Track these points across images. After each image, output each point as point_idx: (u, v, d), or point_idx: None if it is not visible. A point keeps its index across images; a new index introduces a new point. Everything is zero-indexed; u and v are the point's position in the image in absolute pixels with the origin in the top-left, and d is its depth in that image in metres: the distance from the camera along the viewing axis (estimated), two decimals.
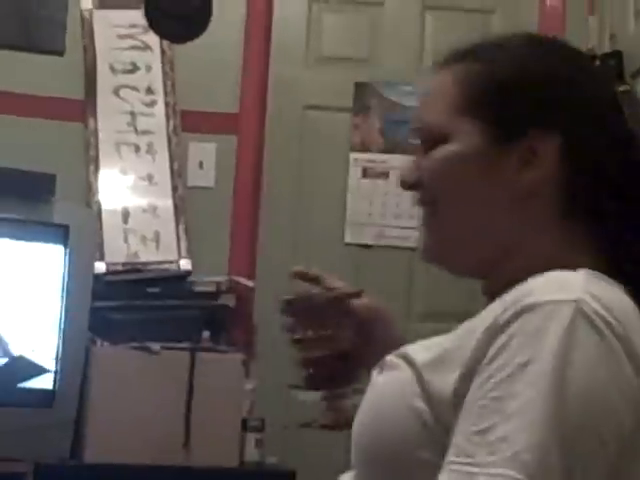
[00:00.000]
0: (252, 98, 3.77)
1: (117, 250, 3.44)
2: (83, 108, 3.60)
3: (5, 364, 2.90)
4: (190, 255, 3.48)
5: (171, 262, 3.46)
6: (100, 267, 3.33)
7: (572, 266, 1.08)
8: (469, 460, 0.97)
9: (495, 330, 1.02)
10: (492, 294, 1.15)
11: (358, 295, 1.42)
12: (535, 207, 1.16)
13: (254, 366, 3.34)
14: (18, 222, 2.98)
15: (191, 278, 3.42)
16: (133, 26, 3.67)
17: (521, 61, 1.20)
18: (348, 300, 1.40)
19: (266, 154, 3.78)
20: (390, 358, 1.16)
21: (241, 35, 3.79)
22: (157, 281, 3.33)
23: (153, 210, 3.53)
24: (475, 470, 0.96)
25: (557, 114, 1.16)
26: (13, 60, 3.58)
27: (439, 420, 1.05)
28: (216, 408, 3.08)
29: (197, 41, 3.35)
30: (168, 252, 3.48)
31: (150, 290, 3.28)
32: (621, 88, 3.10)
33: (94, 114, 3.60)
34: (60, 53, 3.63)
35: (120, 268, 3.40)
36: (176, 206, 3.55)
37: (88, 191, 3.51)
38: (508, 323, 1.01)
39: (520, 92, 1.17)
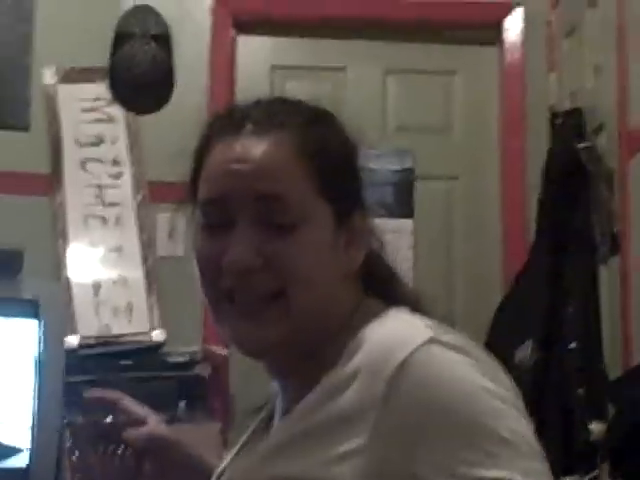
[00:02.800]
0: None
1: (89, 323, 3.42)
2: (49, 182, 3.60)
3: None
4: (163, 325, 3.46)
5: (144, 333, 3.45)
6: (72, 341, 3.31)
7: (366, 315, 1.12)
8: None
9: (382, 402, 1.01)
10: (290, 373, 1.17)
11: (141, 423, 1.40)
12: (350, 282, 1.18)
13: (232, 435, 3.32)
14: None
15: (165, 349, 3.40)
16: (97, 99, 3.69)
17: (344, 141, 1.19)
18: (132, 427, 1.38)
19: None
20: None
21: (205, 103, 3.81)
22: (130, 353, 3.31)
23: (124, 282, 3.52)
24: None
25: (364, 193, 1.20)
26: None
27: None
28: None
29: (162, 111, 3.37)
30: (140, 323, 3.46)
31: (124, 362, 3.26)
32: (582, 145, 3.15)
33: (61, 188, 3.60)
34: (25, 128, 3.64)
35: (93, 341, 3.38)
36: (147, 276, 3.54)
37: (57, 265, 3.50)
38: (391, 390, 1.01)
39: (350, 175, 1.19)
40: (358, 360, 1.07)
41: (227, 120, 1.19)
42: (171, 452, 1.41)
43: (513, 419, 1.01)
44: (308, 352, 1.15)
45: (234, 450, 1.31)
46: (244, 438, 1.31)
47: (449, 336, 1.06)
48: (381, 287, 1.21)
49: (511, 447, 0.99)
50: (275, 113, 1.17)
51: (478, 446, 0.98)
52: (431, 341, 1.04)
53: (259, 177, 1.12)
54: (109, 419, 1.39)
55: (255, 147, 1.13)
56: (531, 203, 3.51)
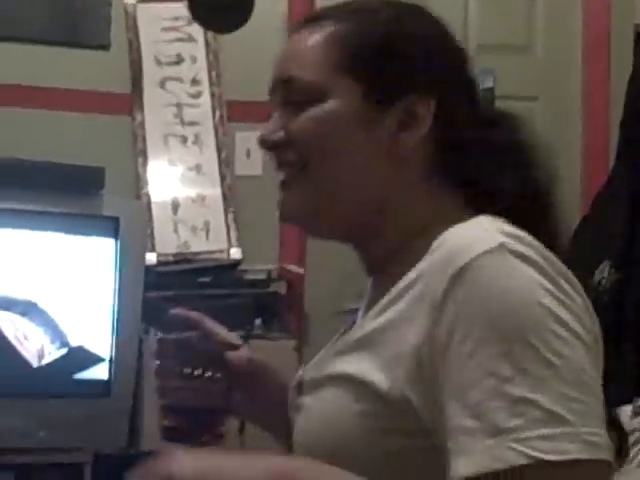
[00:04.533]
0: None
1: (167, 241, 3.47)
2: (130, 101, 3.63)
3: (63, 355, 2.93)
4: (240, 244, 3.49)
5: (221, 251, 3.48)
6: (151, 258, 3.36)
7: (450, 220, 1.10)
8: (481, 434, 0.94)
9: (438, 304, 1.01)
10: (376, 269, 1.19)
11: (236, 347, 1.37)
12: (408, 169, 1.18)
13: (306, 352, 3.36)
14: (69, 216, 3.01)
15: (242, 267, 3.43)
16: (177, 18, 3.69)
17: (395, 24, 1.21)
18: (224, 351, 1.34)
19: None
20: (312, 377, 1.18)
21: (285, 22, 3.79)
22: (208, 270, 3.35)
23: (202, 200, 3.56)
24: (503, 438, 0.93)
25: (431, 78, 1.19)
26: (59, 56, 3.61)
27: (394, 407, 1.04)
28: None
29: (241, 30, 3.36)
30: (218, 241, 3.50)
31: (201, 280, 3.30)
32: None
33: (141, 107, 3.62)
34: (106, 48, 3.66)
35: (171, 259, 3.43)
36: (225, 195, 3.57)
37: (137, 183, 3.54)
38: (448, 293, 1.00)
39: (398, 56, 1.19)
40: (427, 262, 1.06)
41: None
42: (260, 377, 1.38)
43: (564, 343, 0.96)
44: (368, 234, 1.19)
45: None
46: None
47: (524, 247, 1.02)
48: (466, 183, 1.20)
49: (551, 369, 0.95)
50: (317, 14, 1.26)
51: (515, 361, 0.95)
52: (500, 247, 1.00)
53: (281, 64, 1.23)
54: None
55: (296, 38, 1.23)
56: (614, 124, 3.45)
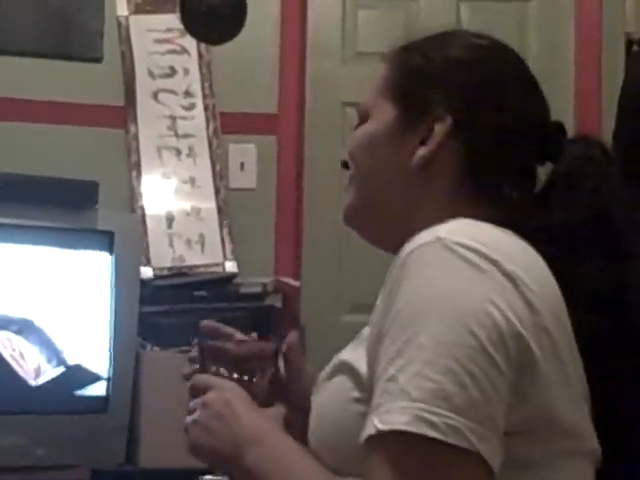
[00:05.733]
0: (290, 97, 3.77)
1: (163, 255, 3.46)
2: (123, 114, 3.62)
3: (61, 373, 2.92)
4: (235, 257, 3.49)
5: (217, 265, 3.48)
6: (147, 272, 3.35)
7: None
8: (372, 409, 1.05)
9: (386, 292, 1.11)
10: None
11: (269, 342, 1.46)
12: (435, 184, 1.26)
13: None
14: (63, 231, 3.00)
15: (237, 280, 3.43)
16: (169, 30, 3.69)
17: (426, 49, 1.31)
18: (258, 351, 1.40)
19: (306, 152, 3.78)
20: (322, 374, 1.26)
21: (277, 34, 3.79)
22: (203, 284, 3.34)
23: (197, 213, 3.55)
24: (372, 414, 1.03)
25: (451, 98, 1.26)
26: (52, 69, 3.61)
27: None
28: None
29: (233, 42, 3.37)
30: (213, 255, 3.49)
31: (197, 293, 3.29)
32: None
33: (134, 120, 3.62)
34: (98, 60, 3.66)
35: (166, 272, 3.42)
36: (219, 208, 3.56)
37: (131, 197, 3.53)
38: (393, 280, 1.09)
39: (423, 78, 1.29)
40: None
41: None
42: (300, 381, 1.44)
43: (447, 330, 1.02)
44: (389, 242, 1.27)
45: None
46: None
47: (467, 241, 1.07)
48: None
49: (422, 352, 1.02)
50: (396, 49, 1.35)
51: (400, 344, 1.04)
52: (435, 240, 1.08)
53: None
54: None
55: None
56: (606, 135, 3.44)
